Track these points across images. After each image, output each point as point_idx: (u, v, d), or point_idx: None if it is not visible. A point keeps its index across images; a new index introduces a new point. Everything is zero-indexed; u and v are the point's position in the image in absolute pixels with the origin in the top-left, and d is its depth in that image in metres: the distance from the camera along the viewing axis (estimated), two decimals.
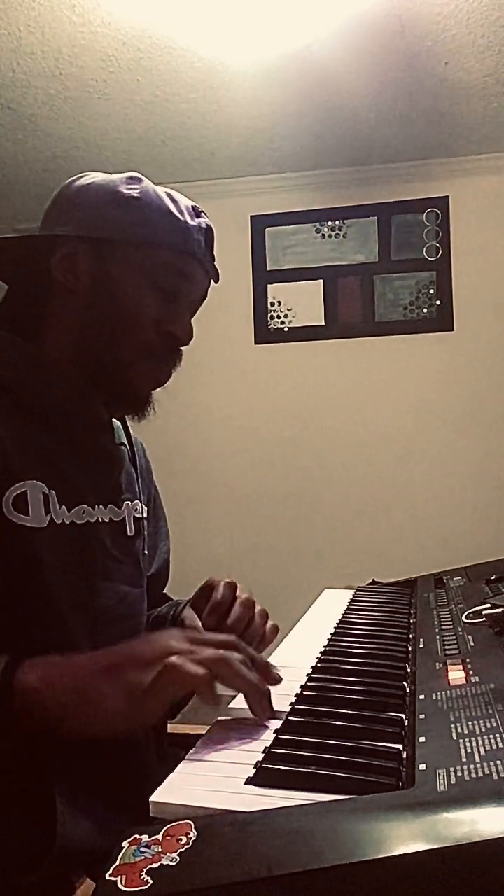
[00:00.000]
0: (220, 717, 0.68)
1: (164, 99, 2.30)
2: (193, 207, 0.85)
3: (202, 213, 0.87)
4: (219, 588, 0.87)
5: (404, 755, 0.54)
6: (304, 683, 0.73)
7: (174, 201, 0.83)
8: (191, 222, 0.83)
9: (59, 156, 2.63)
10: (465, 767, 0.47)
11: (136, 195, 0.81)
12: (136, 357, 0.83)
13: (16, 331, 0.83)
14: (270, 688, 0.68)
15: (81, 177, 0.86)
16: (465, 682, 0.65)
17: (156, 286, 0.82)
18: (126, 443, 0.96)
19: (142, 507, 0.94)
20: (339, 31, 1.97)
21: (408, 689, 0.69)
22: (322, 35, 1.98)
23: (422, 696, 0.64)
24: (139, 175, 0.84)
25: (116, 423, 0.94)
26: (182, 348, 0.87)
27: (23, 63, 2.09)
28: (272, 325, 2.92)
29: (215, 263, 0.88)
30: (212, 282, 0.89)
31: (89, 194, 0.83)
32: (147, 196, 0.82)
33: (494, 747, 0.50)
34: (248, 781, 0.53)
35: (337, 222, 2.88)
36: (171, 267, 0.82)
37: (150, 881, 0.38)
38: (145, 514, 0.96)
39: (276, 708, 0.67)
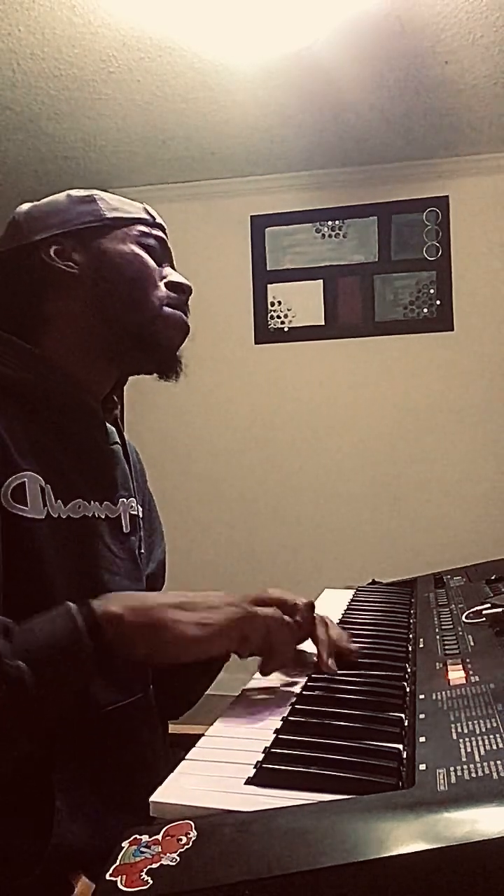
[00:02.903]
0: (221, 718, 0.68)
1: (164, 99, 2.30)
2: None
3: None
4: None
5: (404, 755, 0.54)
6: (304, 683, 0.73)
7: (115, 195, 0.93)
8: (139, 204, 0.94)
9: (59, 156, 2.63)
10: (465, 767, 0.47)
11: (91, 194, 0.91)
12: (157, 310, 0.89)
13: (13, 333, 0.84)
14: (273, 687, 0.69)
15: (21, 206, 0.93)
16: (465, 682, 0.65)
17: (145, 250, 0.90)
18: (120, 443, 0.96)
19: (137, 505, 0.95)
20: (339, 32, 1.97)
21: (408, 689, 0.69)
22: (322, 35, 1.98)
23: (422, 696, 0.64)
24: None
25: (110, 427, 0.95)
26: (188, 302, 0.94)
27: (23, 63, 2.09)
28: (272, 325, 2.92)
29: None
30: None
31: (46, 206, 0.91)
32: (99, 193, 0.91)
33: (494, 747, 0.50)
34: (248, 781, 0.53)
35: (337, 222, 2.88)
36: (148, 235, 0.91)
37: (150, 881, 0.38)
38: (140, 513, 0.96)
39: (275, 708, 0.68)
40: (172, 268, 0.95)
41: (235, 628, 0.69)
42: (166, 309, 0.89)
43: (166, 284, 0.91)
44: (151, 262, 0.90)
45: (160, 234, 0.93)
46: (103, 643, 0.64)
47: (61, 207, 0.90)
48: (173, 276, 0.92)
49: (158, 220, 0.94)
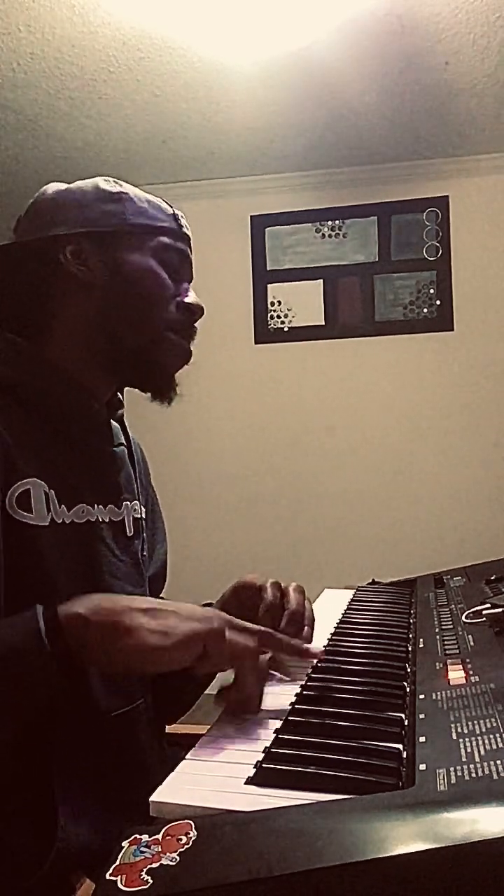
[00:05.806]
0: (221, 717, 0.68)
1: (164, 99, 2.30)
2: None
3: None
4: (267, 588, 0.89)
5: (404, 755, 0.54)
6: (304, 683, 0.73)
7: (146, 195, 0.90)
8: (169, 210, 0.90)
9: (59, 156, 2.63)
10: (465, 767, 0.47)
11: (121, 191, 0.87)
12: (162, 334, 0.87)
13: (17, 333, 0.83)
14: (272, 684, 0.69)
15: (48, 187, 0.90)
16: (465, 682, 0.65)
17: (163, 266, 0.87)
18: (125, 444, 0.96)
19: (140, 508, 0.94)
20: (339, 32, 1.97)
21: (408, 689, 0.69)
22: (322, 35, 1.98)
23: (422, 696, 0.64)
24: (109, 177, 0.89)
25: (115, 424, 0.94)
26: (196, 324, 0.91)
27: (23, 63, 2.09)
28: (272, 325, 2.92)
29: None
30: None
31: (73, 196, 0.87)
32: (130, 191, 0.88)
33: (494, 747, 0.50)
34: (248, 781, 0.53)
35: (337, 222, 2.88)
36: (171, 247, 0.88)
37: (150, 881, 0.38)
38: (144, 515, 0.96)
39: (276, 708, 0.68)
40: (189, 281, 0.91)
41: (196, 642, 0.65)
42: (170, 334, 0.87)
43: (178, 305, 0.88)
44: (167, 281, 0.87)
45: (183, 246, 0.90)
46: (63, 647, 0.62)
47: (86, 201, 0.86)
48: (187, 297, 0.89)
49: (186, 230, 0.91)
